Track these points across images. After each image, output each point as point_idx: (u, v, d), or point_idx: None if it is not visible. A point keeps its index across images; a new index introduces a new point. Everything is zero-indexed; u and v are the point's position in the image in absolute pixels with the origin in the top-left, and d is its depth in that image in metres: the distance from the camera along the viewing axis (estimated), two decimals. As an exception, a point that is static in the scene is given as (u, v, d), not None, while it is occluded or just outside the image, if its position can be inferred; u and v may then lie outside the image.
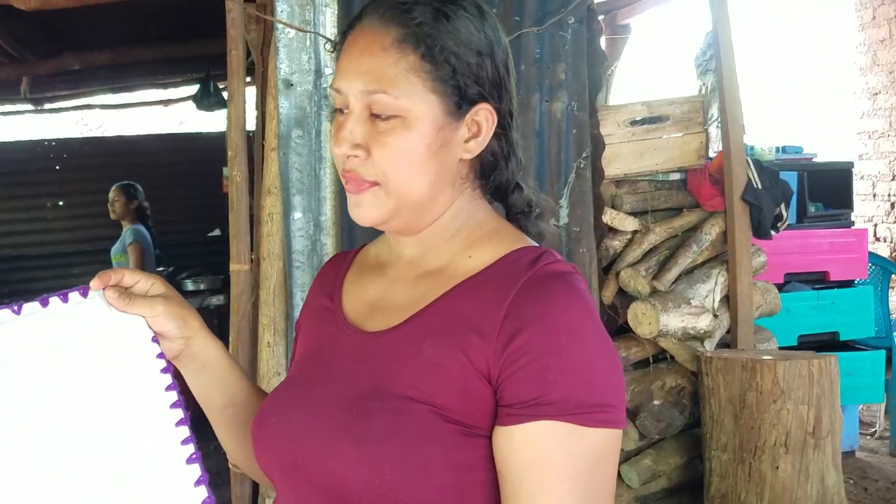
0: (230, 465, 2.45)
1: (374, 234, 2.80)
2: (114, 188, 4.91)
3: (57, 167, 6.75)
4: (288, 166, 2.60)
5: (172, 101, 6.75)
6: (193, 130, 7.40)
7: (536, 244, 0.93)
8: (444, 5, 0.86)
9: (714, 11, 3.10)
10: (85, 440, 0.83)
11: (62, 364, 0.85)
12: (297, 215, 2.63)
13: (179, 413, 0.88)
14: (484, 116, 0.89)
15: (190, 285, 6.00)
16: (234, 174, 2.50)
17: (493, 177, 0.94)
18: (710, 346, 3.02)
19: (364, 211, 0.88)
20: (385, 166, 0.85)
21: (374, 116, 0.85)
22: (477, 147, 0.89)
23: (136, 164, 6.48)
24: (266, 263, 2.66)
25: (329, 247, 2.68)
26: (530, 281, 0.83)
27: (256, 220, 2.70)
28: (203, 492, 0.86)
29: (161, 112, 7.98)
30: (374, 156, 0.86)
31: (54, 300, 0.87)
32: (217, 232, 6.97)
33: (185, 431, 0.88)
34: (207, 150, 6.70)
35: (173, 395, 0.88)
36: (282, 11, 2.46)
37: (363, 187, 0.87)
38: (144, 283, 0.92)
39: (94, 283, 0.89)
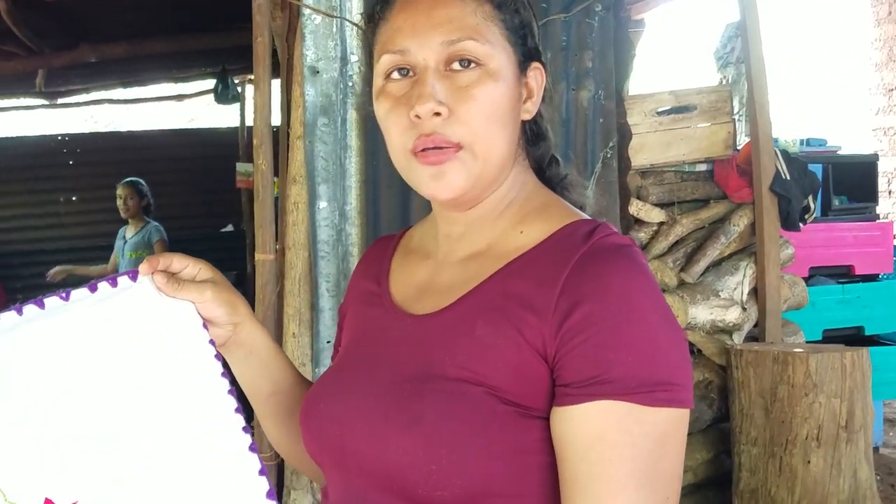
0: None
1: (400, 222, 2.76)
2: (124, 186, 4.89)
3: (70, 162, 6.76)
4: (313, 155, 2.57)
5: (186, 95, 6.73)
6: (206, 126, 7.38)
7: (588, 217, 0.88)
8: None
9: (742, 2, 3.06)
10: (136, 421, 0.81)
11: (112, 348, 0.83)
12: (323, 204, 2.60)
13: (234, 401, 0.86)
14: (538, 77, 0.86)
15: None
16: (260, 163, 2.47)
17: (540, 145, 0.91)
18: (738, 339, 2.98)
19: (448, 181, 0.82)
20: (473, 121, 0.80)
21: (451, 72, 0.81)
22: (533, 108, 0.87)
23: (148, 160, 6.49)
24: (291, 253, 2.63)
25: (354, 236, 2.65)
26: (586, 255, 0.78)
27: (281, 209, 2.67)
28: (265, 483, 0.83)
29: (172, 108, 7.98)
30: (458, 112, 0.80)
31: (103, 285, 0.85)
32: (230, 227, 6.97)
33: (241, 420, 0.85)
34: (220, 145, 6.70)
35: (227, 383, 0.86)
36: (309, -3, 2.43)
37: (447, 155, 0.81)
38: (192, 268, 0.90)
39: (142, 268, 0.87)
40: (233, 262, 6.39)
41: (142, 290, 0.86)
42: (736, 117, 3.37)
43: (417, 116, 0.80)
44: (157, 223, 4.91)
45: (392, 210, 2.64)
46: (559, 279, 0.78)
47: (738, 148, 3.16)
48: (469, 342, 0.80)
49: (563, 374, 0.76)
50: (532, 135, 0.91)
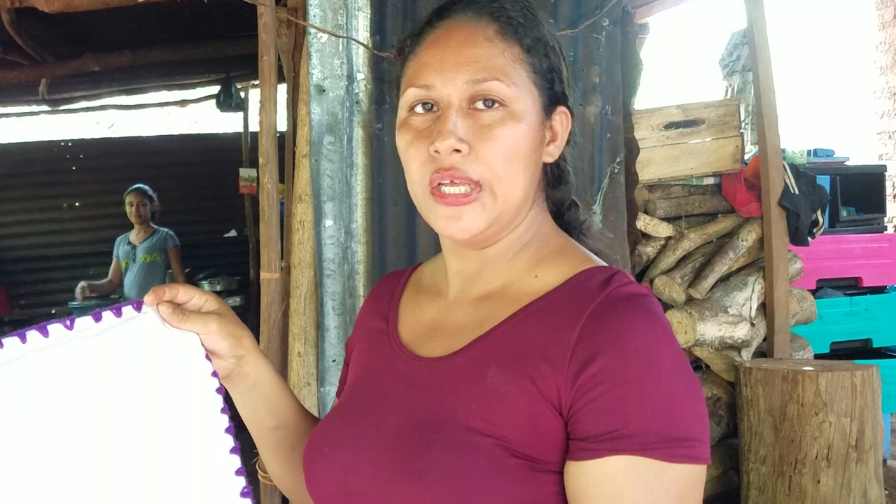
0: (260, 477, 2.41)
1: (406, 239, 2.73)
2: (133, 193, 4.92)
3: (73, 168, 6.73)
4: (319, 173, 2.55)
5: (189, 101, 6.71)
6: (208, 131, 7.36)
7: (605, 264, 0.86)
8: (525, 4, 0.84)
9: (750, 12, 3.04)
10: (135, 453, 0.81)
11: (114, 379, 0.82)
12: (329, 223, 2.59)
13: (231, 441, 0.85)
14: (562, 120, 0.86)
15: (206, 287, 5.97)
16: (266, 181, 2.45)
17: (560, 188, 0.90)
18: (746, 355, 2.96)
19: (465, 223, 0.81)
20: (493, 161, 0.80)
21: (475, 110, 0.80)
22: (556, 151, 0.86)
23: (151, 165, 6.48)
24: (297, 272, 2.62)
25: (360, 254, 2.63)
26: (602, 304, 0.77)
27: (287, 227, 2.66)
28: None
29: (174, 112, 7.96)
30: (478, 150, 0.80)
31: (107, 314, 0.84)
32: (233, 233, 6.95)
33: (236, 461, 0.84)
34: (222, 150, 6.68)
35: (225, 420, 0.85)
36: (314, 16, 2.41)
37: (470, 197, 0.80)
38: (199, 299, 0.89)
39: (148, 299, 0.86)
40: (235, 267, 6.38)
41: (146, 321, 0.85)
42: (742, 125, 3.35)
43: (437, 151, 0.80)
44: (168, 229, 4.98)
45: (398, 228, 2.63)
46: (574, 329, 0.76)
47: (746, 161, 3.14)
48: (480, 390, 0.78)
49: (578, 427, 0.74)
50: (553, 177, 0.90)
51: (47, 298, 6.59)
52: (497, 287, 0.87)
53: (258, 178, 4.80)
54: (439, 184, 0.81)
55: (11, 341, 0.80)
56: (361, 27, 2.48)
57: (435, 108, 0.82)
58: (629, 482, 0.71)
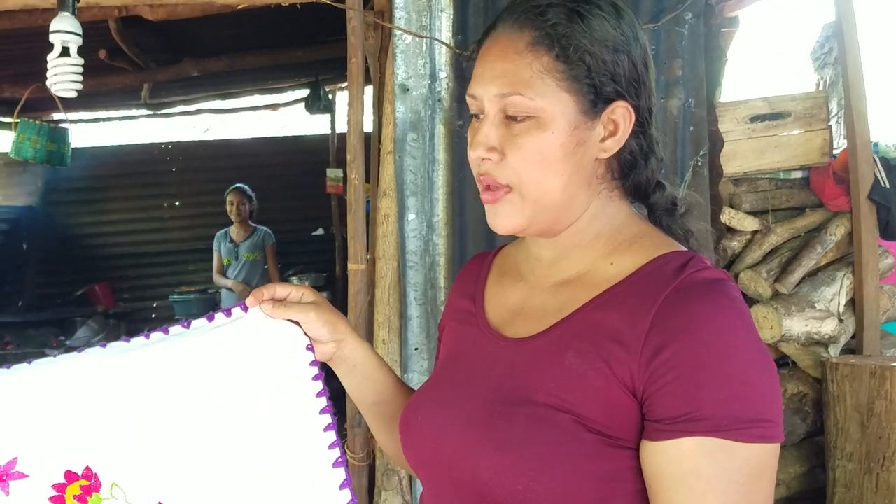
0: (349, 457, 2.53)
1: (484, 232, 2.80)
2: (234, 192, 5.12)
3: (173, 169, 7.06)
4: (403, 169, 2.65)
5: (280, 104, 6.96)
6: (297, 133, 7.59)
7: (684, 248, 0.89)
8: (579, 5, 0.85)
9: (839, 4, 2.97)
10: (242, 438, 0.91)
11: (226, 370, 0.93)
12: (411, 216, 2.68)
13: (328, 418, 0.94)
14: (621, 114, 0.87)
15: (295, 282, 6.18)
16: (353, 177, 2.56)
17: (632, 176, 0.92)
18: (834, 351, 2.89)
19: (501, 219, 0.88)
20: (519, 168, 0.86)
21: (509, 119, 0.86)
22: (614, 145, 0.88)
23: (244, 166, 6.71)
24: (381, 263, 2.72)
25: (441, 247, 2.72)
26: (677, 290, 0.80)
27: (372, 221, 2.77)
28: (347, 495, 0.91)
29: (265, 116, 8.25)
30: (508, 158, 0.86)
31: (219, 315, 0.96)
32: (320, 231, 7.17)
33: (331, 436, 0.94)
34: (311, 151, 6.88)
35: (323, 401, 0.95)
36: (400, 18, 2.50)
37: (498, 196, 0.87)
38: (296, 293, 0.99)
39: (249, 301, 0.97)
40: (323, 264, 6.58)
41: (252, 318, 0.97)
42: (834, 120, 3.27)
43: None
44: (266, 228, 5.19)
45: (477, 221, 2.69)
46: (648, 314, 0.79)
47: (835, 154, 3.07)
48: (559, 371, 0.83)
49: (653, 410, 0.78)
50: (624, 167, 0.91)
51: (149, 293, 6.96)
52: (573, 274, 0.91)
53: (344, 177, 4.97)
54: (481, 182, 0.90)
55: (138, 339, 0.93)
56: (444, 27, 2.56)
57: (481, 116, 0.89)
58: (703, 461, 0.75)
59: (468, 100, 0.90)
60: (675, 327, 0.77)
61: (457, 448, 0.87)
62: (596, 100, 0.85)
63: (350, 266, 2.69)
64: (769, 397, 0.77)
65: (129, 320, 6.67)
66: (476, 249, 2.68)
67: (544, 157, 0.85)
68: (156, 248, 7.01)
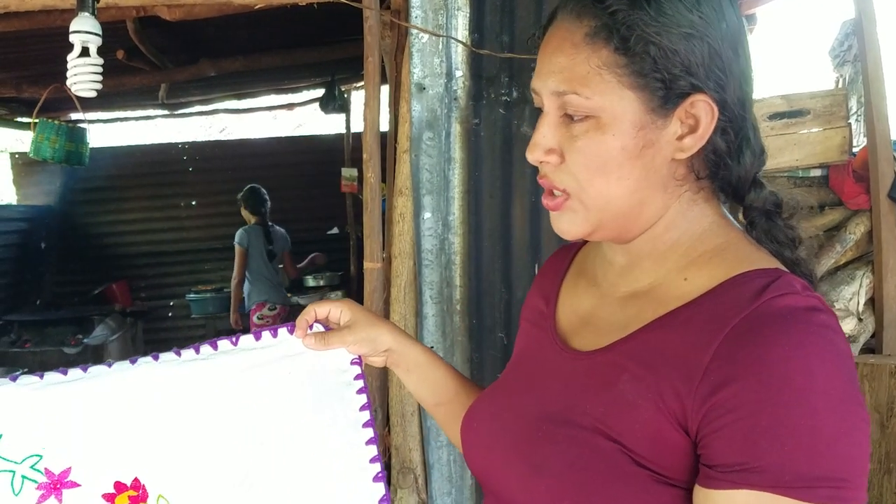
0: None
1: (501, 231, 2.78)
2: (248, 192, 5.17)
3: (189, 169, 7.11)
4: (418, 168, 2.65)
5: (296, 104, 6.99)
6: (312, 133, 7.62)
7: (774, 265, 0.77)
8: None
9: (858, 1, 2.94)
10: (287, 452, 0.94)
11: (273, 388, 0.96)
12: (427, 215, 2.69)
13: (370, 432, 0.96)
14: (701, 108, 0.77)
15: (311, 282, 6.22)
16: (369, 176, 2.57)
17: (720, 175, 0.81)
18: (853, 350, 2.87)
19: (563, 226, 0.82)
20: (578, 174, 0.79)
21: (568, 118, 0.79)
22: (694, 144, 0.78)
23: (260, 166, 6.78)
24: (397, 262, 2.73)
25: (456, 245, 2.72)
26: (748, 318, 0.70)
27: (388, 219, 2.78)
28: None
29: (280, 116, 8.28)
30: (567, 161, 0.79)
31: (265, 334, 0.99)
32: (335, 230, 7.19)
33: (373, 450, 0.95)
34: (325, 151, 6.91)
35: (366, 415, 0.97)
36: (416, 17, 2.51)
37: (558, 203, 0.81)
38: (335, 312, 1.01)
39: (297, 333, 0.99)
40: (338, 263, 6.61)
41: (297, 341, 1.01)
42: (853, 118, 3.24)
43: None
44: (281, 229, 5.22)
45: (493, 219, 2.69)
46: (712, 344, 0.70)
47: (855, 152, 3.04)
48: (610, 395, 0.77)
49: (707, 453, 0.70)
50: (710, 165, 0.81)
51: (166, 291, 7.01)
52: (645, 286, 0.84)
53: (360, 176, 4.97)
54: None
55: (187, 352, 0.96)
56: (461, 26, 2.56)
57: (543, 112, 0.82)
58: None
59: (531, 93, 0.83)
60: (740, 362, 0.68)
61: (500, 464, 0.85)
62: (667, 95, 0.76)
63: (366, 264, 2.69)
64: (848, 453, 0.66)
65: (147, 319, 6.73)
66: (492, 248, 2.68)
67: (605, 163, 0.77)
68: (173, 247, 7.07)
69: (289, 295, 5.46)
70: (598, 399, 0.78)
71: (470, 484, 2.70)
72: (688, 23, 0.75)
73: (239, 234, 5.03)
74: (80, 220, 6.96)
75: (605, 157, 0.77)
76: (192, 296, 6.43)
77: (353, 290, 6.30)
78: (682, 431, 0.72)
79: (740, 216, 0.86)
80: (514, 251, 2.68)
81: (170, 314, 7.02)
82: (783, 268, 0.77)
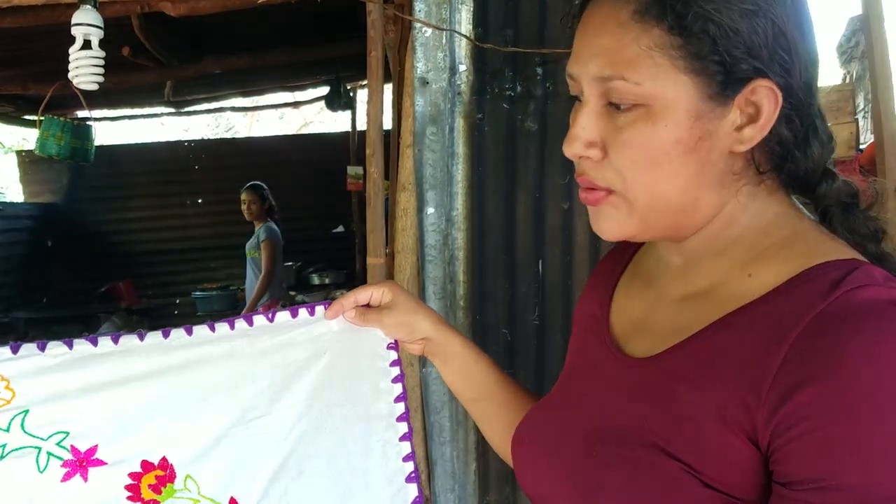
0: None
1: (505, 226, 2.77)
2: (247, 190, 5.09)
3: (196, 167, 7.13)
4: (422, 163, 2.64)
5: (301, 102, 7.00)
6: (318, 131, 7.64)
7: (852, 256, 0.68)
8: None
9: (865, -6, 2.92)
10: (321, 433, 0.93)
11: (308, 368, 0.95)
12: (430, 210, 2.68)
13: (404, 427, 0.95)
14: (764, 95, 0.68)
15: (316, 279, 6.23)
16: (372, 171, 2.56)
17: (784, 168, 0.73)
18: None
19: (604, 225, 0.74)
20: (624, 170, 0.70)
21: (612, 107, 0.70)
22: (756, 134, 0.69)
23: (266, 164, 6.78)
24: (400, 257, 2.72)
25: (460, 241, 2.71)
26: (824, 314, 0.62)
27: (391, 215, 2.77)
28: (414, 490, 0.93)
29: (286, 114, 8.30)
30: (610, 156, 0.71)
31: (302, 311, 0.97)
32: (341, 228, 7.20)
33: (407, 447, 0.95)
34: (331, 149, 6.93)
35: (401, 407, 0.96)
36: (419, 11, 2.50)
37: (598, 197, 0.73)
38: (377, 294, 0.99)
39: (330, 313, 0.97)
40: (343, 261, 6.61)
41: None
42: (861, 115, 3.22)
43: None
44: (270, 224, 5.06)
45: (497, 215, 2.69)
46: (783, 345, 0.62)
47: (862, 148, 3.02)
48: (667, 407, 0.70)
49: (780, 468, 0.62)
50: (774, 158, 0.73)
51: (171, 289, 7.03)
52: (705, 287, 0.75)
53: (364, 174, 4.97)
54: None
55: (221, 326, 0.94)
56: (464, 20, 2.55)
57: (581, 100, 0.74)
58: None
59: (567, 79, 0.74)
60: (816, 364, 0.60)
61: (551, 486, 0.79)
62: (727, 81, 0.67)
63: (369, 260, 2.69)
64: None
65: (153, 317, 6.74)
66: (495, 243, 2.67)
67: (655, 158, 0.69)
68: (178, 244, 7.09)
69: (292, 293, 5.46)
70: (656, 412, 0.70)
71: (473, 480, 2.69)
72: (740, 5, 0.66)
73: (270, 230, 4.93)
74: (86, 218, 6.99)
75: (656, 151, 0.69)
76: (197, 294, 6.44)
77: (357, 286, 6.30)
78: (752, 444, 0.64)
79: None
80: (518, 247, 2.67)
81: (175, 312, 7.03)
82: (862, 258, 0.69)
